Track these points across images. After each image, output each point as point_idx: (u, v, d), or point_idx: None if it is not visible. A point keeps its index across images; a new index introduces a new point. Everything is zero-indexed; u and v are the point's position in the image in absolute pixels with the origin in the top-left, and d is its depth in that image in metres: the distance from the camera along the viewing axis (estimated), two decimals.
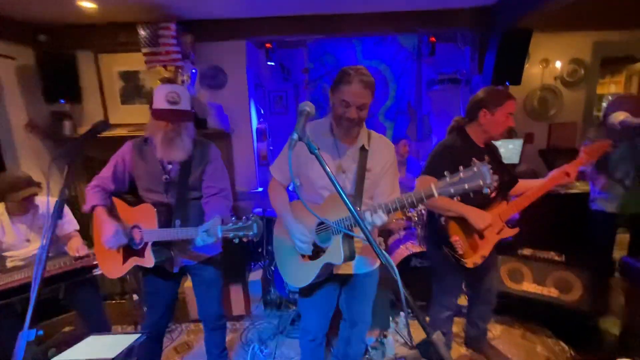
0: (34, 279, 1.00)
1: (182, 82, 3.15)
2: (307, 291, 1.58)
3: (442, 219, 1.74)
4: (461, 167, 0.97)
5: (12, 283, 1.92)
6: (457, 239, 1.71)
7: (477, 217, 1.63)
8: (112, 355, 1.02)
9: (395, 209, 1.18)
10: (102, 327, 2.14)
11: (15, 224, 2.13)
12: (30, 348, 0.94)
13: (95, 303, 2.20)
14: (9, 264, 2.17)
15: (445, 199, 1.67)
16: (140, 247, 1.60)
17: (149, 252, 1.56)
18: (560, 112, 3.62)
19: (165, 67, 3.11)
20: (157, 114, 1.54)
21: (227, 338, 2.57)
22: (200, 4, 2.86)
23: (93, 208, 1.66)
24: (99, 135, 1.39)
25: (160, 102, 1.52)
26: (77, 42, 3.25)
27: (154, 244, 1.57)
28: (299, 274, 1.49)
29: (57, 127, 3.30)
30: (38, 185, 2.05)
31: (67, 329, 2.23)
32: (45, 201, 2.08)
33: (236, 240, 1.44)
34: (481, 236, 1.72)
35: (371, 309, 1.68)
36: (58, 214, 1.11)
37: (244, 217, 1.43)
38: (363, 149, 1.44)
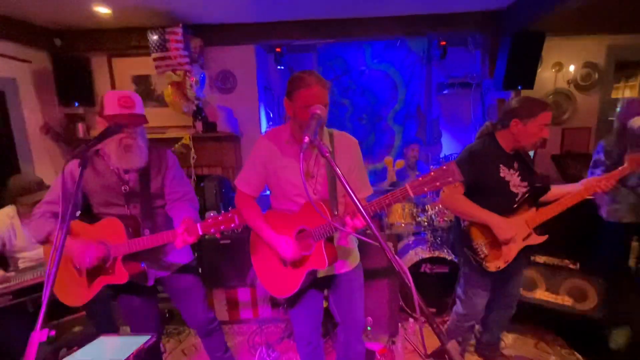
0: (47, 280, 1.01)
1: (191, 86, 3.18)
2: (293, 297, 1.56)
3: (465, 222, 1.73)
4: (431, 167, 1.01)
5: (24, 283, 1.95)
6: (480, 242, 1.69)
7: (501, 228, 1.62)
8: (123, 357, 1.02)
9: (375, 212, 1.18)
10: (111, 328, 2.15)
11: (26, 227, 2.16)
12: (42, 348, 0.95)
13: (104, 303, 2.22)
14: (21, 264, 2.20)
15: (470, 206, 1.66)
16: (108, 264, 1.48)
17: (120, 267, 1.46)
18: (574, 116, 3.56)
19: (174, 71, 3.15)
20: (113, 120, 1.43)
21: (234, 341, 2.58)
22: (211, 9, 2.90)
23: (49, 235, 1.51)
24: (111, 138, 1.41)
25: (112, 108, 1.45)
26: (91, 46, 3.33)
27: (124, 257, 1.48)
28: (283, 283, 1.48)
29: (71, 129, 3.37)
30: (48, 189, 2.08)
31: (77, 328, 2.25)
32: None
33: (218, 235, 1.41)
34: (504, 243, 1.69)
35: (362, 306, 1.65)
36: (70, 216, 1.12)
37: (222, 211, 1.39)
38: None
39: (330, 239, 1.40)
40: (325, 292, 1.66)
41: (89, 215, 1.60)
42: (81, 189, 1.54)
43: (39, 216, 1.53)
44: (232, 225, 1.37)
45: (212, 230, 1.38)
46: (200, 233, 1.39)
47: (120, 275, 1.47)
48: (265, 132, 1.54)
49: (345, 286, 1.59)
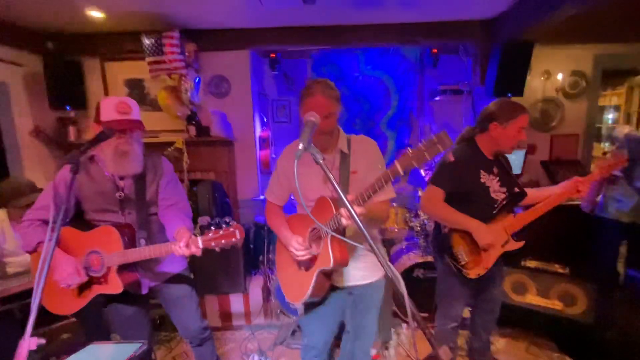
0: (36, 287, 0.99)
1: (186, 90, 3.18)
2: (310, 307, 1.56)
3: (446, 228, 1.73)
4: (422, 140, 0.99)
5: (12, 290, 1.91)
6: (460, 249, 1.70)
7: (481, 234, 1.63)
8: None
9: (369, 196, 1.16)
10: (101, 335, 2.12)
11: (17, 231, 2.13)
12: (31, 356, 0.93)
13: (95, 310, 2.18)
14: (9, 269, 2.16)
15: (450, 212, 1.67)
16: (101, 274, 1.46)
17: (114, 277, 1.44)
18: (562, 123, 3.64)
19: (169, 75, 3.15)
20: (110, 125, 1.42)
21: (226, 348, 2.56)
22: (206, 14, 2.91)
23: (37, 246, 1.48)
24: (107, 143, 1.41)
25: (110, 114, 1.44)
26: (84, 50, 3.31)
27: (119, 267, 1.46)
28: (297, 287, 1.47)
29: (62, 133, 3.33)
30: (40, 192, 2.05)
31: (65, 336, 2.21)
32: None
33: (218, 250, 1.37)
34: (484, 249, 1.71)
35: (376, 321, 1.65)
36: (61, 221, 1.11)
37: (224, 225, 1.37)
38: (342, 154, 1.46)
39: (337, 237, 1.33)
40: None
41: (81, 222, 1.57)
42: (74, 195, 1.51)
43: (28, 225, 1.50)
44: (233, 240, 1.35)
45: (212, 244, 1.36)
46: (201, 247, 1.36)
47: (115, 286, 1.44)
48: (290, 145, 1.58)
49: (364, 299, 1.58)
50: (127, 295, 1.55)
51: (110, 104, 1.45)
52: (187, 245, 1.36)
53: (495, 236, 1.67)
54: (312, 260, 1.41)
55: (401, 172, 1.04)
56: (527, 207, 1.78)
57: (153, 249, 1.43)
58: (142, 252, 1.43)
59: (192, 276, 1.81)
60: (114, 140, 1.44)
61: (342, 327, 1.70)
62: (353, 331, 1.65)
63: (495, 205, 1.72)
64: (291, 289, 1.52)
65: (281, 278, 1.60)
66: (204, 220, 2.83)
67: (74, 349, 1.19)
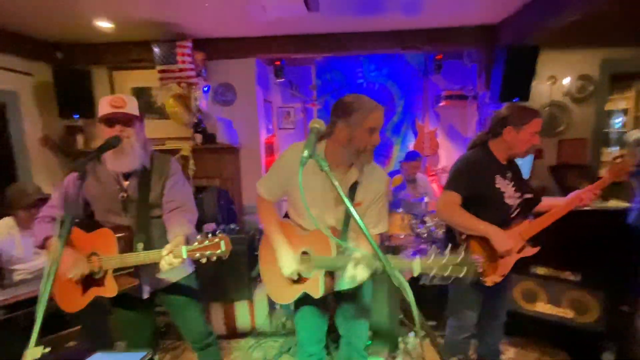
0: (41, 295, 0.99)
1: (195, 98, 3.21)
2: (300, 304, 1.56)
3: (463, 236, 1.69)
4: (446, 251, 1.00)
5: (18, 297, 1.92)
6: (478, 257, 1.66)
7: (500, 239, 1.59)
8: None
9: (378, 270, 1.15)
10: (107, 343, 2.11)
11: (25, 238, 2.15)
12: None
13: (100, 318, 2.18)
14: (17, 277, 2.18)
15: (468, 217, 1.64)
16: (100, 276, 1.45)
17: (110, 281, 1.43)
18: (570, 128, 3.59)
19: (179, 84, 3.18)
20: (103, 120, 1.46)
21: (232, 356, 2.53)
22: (213, 23, 2.95)
23: (46, 240, 1.50)
24: (111, 150, 1.42)
25: (104, 109, 1.46)
26: (92, 59, 3.37)
27: (116, 270, 1.44)
28: (281, 292, 1.51)
29: (70, 141, 3.38)
30: (47, 197, 2.08)
31: (71, 343, 2.21)
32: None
33: (203, 261, 1.35)
34: (502, 255, 1.67)
35: (367, 323, 1.63)
36: (68, 227, 1.12)
37: (209, 236, 1.34)
38: (354, 182, 1.41)
39: (331, 272, 1.39)
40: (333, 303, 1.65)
41: (92, 223, 1.58)
42: (82, 198, 1.54)
43: (39, 220, 1.54)
44: (218, 251, 1.32)
45: (197, 255, 1.33)
46: (184, 257, 1.34)
47: (110, 289, 1.43)
48: (297, 143, 1.49)
49: (354, 302, 1.57)
50: (129, 300, 1.54)
51: (106, 99, 1.47)
52: (172, 254, 1.34)
53: (514, 241, 1.63)
54: (300, 279, 1.42)
55: (415, 274, 1.10)
56: (537, 216, 1.74)
57: (144, 255, 1.41)
58: (133, 258, 1.42)
59: (197, 281, 1.79)
60: (109, 133, 1.44)
61: (334, 333, 1.69)
62: (345, 336, 1.64)
63: (510, 211, 1.69)
64: (274, 288, 1.54)
65: (265, 272, 1.57)
66: (209, 227, 2.83)
67: (79, 356, 1.18)
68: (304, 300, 1.51)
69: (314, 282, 1.36)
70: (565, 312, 2.33)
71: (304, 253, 1.42)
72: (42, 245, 1.51)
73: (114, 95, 1.50)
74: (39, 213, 1.89)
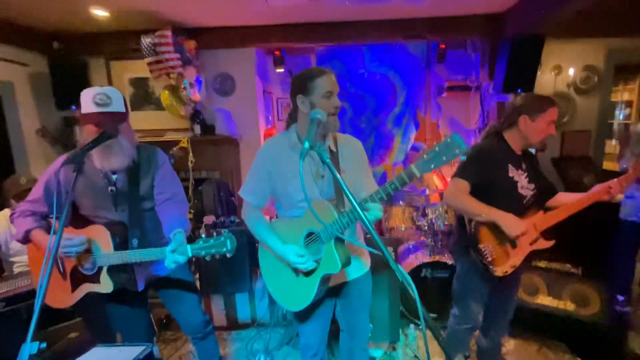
0: (39, 288, 0.98)
1: (184, 87, 3.14)
2: (305, 309, 1.50)
3: (472, 223, 1.65)
4: (434, 142, 0.96)
5: (18, 289, 1.91)
6: (487, 245, 1.63)
7: (510, 223, 1.53)
8: None
9: (382, 198, 1.14)
10: (108, 335, 2.11)
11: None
12: (36, 358, 0.92)
13: (101, 310, 2.18)
14: (16, 269, 2.17)
15: (475, 203, 1.60)
16: (92, 272, 1.43)
17: (104, 277, 1.41)
18: (574, 119, 3.55)
19: (168, 74, 3.11)
20: (86, 119, 1.37)
21: (232, 348, 2.54)
22: (211, 12, 2.88)
23: (27, 234, 1.46)
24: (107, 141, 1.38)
25: (87, 106, 1.37)
26: (89, 50, 3.31)
27: (110, 266, 1.42)
28: (296, 293, 1.41)
29: (68, 132, 3.35)
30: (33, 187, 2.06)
31: (72, 335, 2.21)
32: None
33: (207, 258, 1.35)
34: (513, 245, 1.63)
35: (368, 314, 1.62)
36: (65, 219, 1.10)
37: (214, 234, 1.33)
38: (331, 152, 1.41)
39: (341, 240, 1.31)
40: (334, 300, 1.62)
41: (80, 219, 1.53)
42: (72, 194, 1.46)
43: (18, 215, 1.49)
44: (223, 250, 1.32)
45: (202, 254, 1.33)
46: (190, 256, 1.35)
47: (105, 285, 1.42)
48: (267, 140, 1.50)
49: (355, 294, 1.55)
50: (125, 293, 1.53)
51: (89, 94, 1.37)
52: (175, 251, 1.34)
53: (526, 227, 1.57)
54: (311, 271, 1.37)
55: (418, 175, 1.03)
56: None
57: (143, 253, 1.39)
58: (132, 255, 1.39)
59: (191, 269, 1.77)
60: (95, 132, 1.35)
61: (335, 324, 1.68)
62: (348, 329, 1.63)
63: (524, 202, 1.65)
64: (290, 296, 1.45)
65: (273, 286, 1.51)
66: (209, 219, 2.82)
67: (81, 348, 1.17)
68: (308, 307, 1.46)
69: (328, 258, 1.30)
70: (565, 305, 2.34)
71: (310, 234, 1.37)
72: (24, 239, 1.48)
73: (97, 90, 1.39)
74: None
